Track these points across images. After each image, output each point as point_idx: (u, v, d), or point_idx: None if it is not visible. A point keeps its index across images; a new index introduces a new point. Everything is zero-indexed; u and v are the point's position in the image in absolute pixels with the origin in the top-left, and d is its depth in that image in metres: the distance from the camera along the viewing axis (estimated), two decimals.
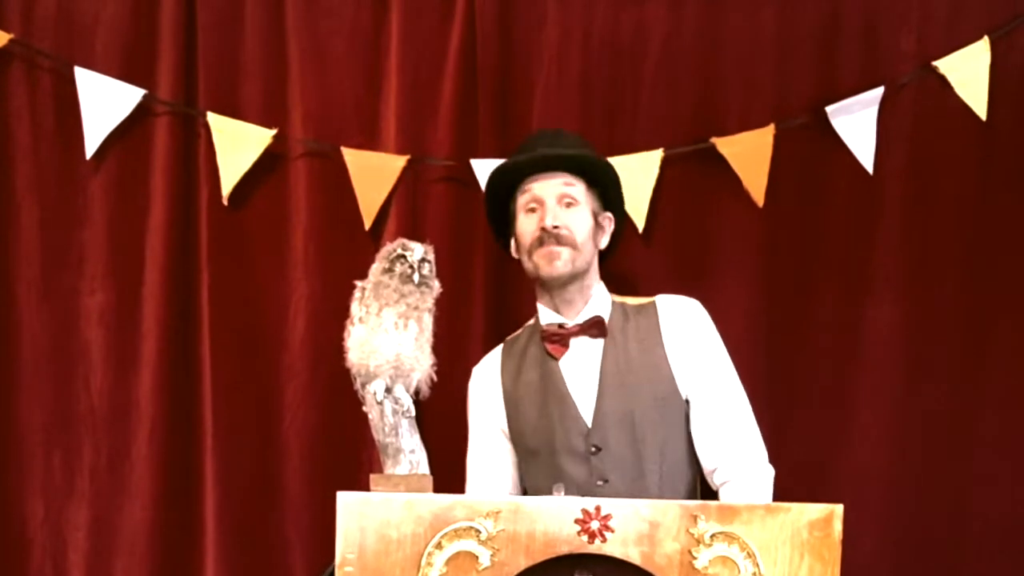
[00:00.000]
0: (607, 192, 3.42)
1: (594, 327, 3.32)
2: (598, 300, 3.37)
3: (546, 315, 3.39)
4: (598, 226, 3.38)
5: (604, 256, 3.46)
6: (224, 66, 3.93)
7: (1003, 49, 3.81)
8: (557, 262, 3.26)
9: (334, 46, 3.93)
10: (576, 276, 3.30)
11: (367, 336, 2.75)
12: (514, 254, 3.46)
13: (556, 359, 3.33)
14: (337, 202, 3.89)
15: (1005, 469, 3.84)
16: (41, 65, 3.88)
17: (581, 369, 3.30)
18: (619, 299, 3.41)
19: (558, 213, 3.27)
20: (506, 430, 3.42)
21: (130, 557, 3.92)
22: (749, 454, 3.25)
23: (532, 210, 3.32)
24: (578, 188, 3.32)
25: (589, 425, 3.24)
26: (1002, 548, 3.83)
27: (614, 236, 3.46)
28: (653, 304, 3.38)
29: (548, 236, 3.25)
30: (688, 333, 3.31)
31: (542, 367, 3.35)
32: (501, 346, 3.52)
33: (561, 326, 3.35)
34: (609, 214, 3.43)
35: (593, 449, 3.23)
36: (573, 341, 3.32)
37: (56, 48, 3.87)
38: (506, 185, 3.40)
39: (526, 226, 3.33)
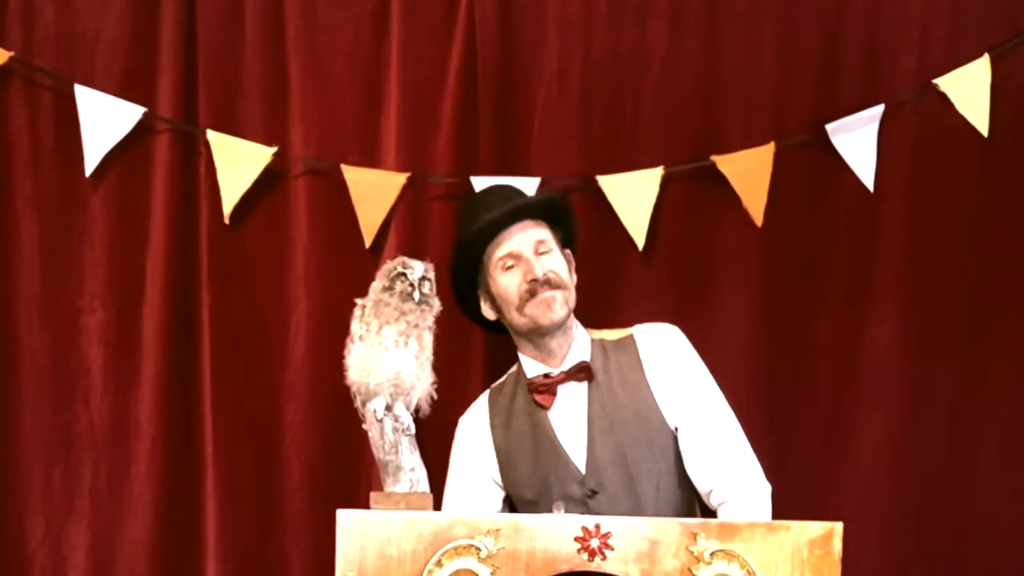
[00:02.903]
0: (567, 231, 3.42)
1: (580, 372, 3.30)
2: (580, 343, 3.36)
3: (531, 367, 3.36)
4: (568, 263, 3.37)
5: None
6: (224, 84, 3.92)
7: (1004, 66, 3.82)
8: (554, 306, 3.23)
9: (334, 63, 3.92)
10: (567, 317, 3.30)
11: (367, 354, 2.75)
12: (487, 315, 3.41)
13: (546, 409, 3.31)
14: (337, 220, 3.88)
15: (1006, 485, 3.84)
16: (41, 83, 3.88)
17: (569, 416, 3.28)
18: (597, 335, 3.39)
19: (541, 261, 3.26)
20: (498, 480, 3.40)
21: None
22: (744, 473, 3.24)
23: (510, 267, 3.28)
24: (547, 234, 3.32)
25: (583, 472, 3.24)
26: (1005, 564, 3.83)
27: None
28: (631, 337, 3.35)
29: (539, 285, 3.22)
30: (669, 363, 3.30)
31: (531, 418, 3.33)
32: (487, 395, 3.49)
33: (547, 375, 3.33)
34: (569, 251, 3.41)
35: (590, 493, 3.22)
36: (560, 389, 3.31)
37: (56, 66, 3.87)
38: (476, 250, 3.35)
39: (509, 283, 3.28)
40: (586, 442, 3.24)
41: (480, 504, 3.40)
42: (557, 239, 3.35)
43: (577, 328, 3.38)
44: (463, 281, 3.39)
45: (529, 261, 3.25)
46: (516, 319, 3.30)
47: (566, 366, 3.31)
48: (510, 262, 3.27)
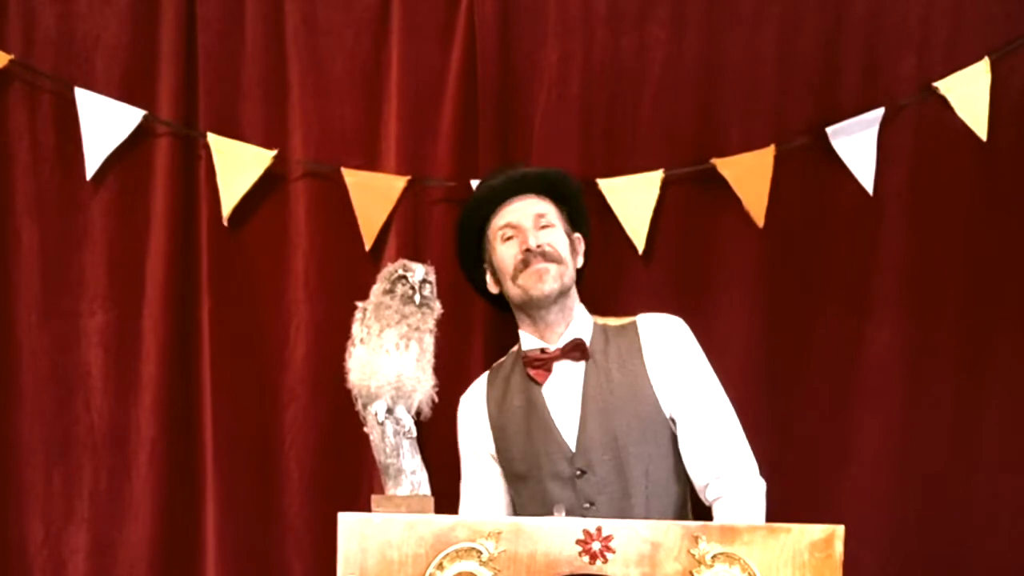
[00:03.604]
0: (574, 211, 3.47)
1: (576, 350, 3.32)
2: (579, 322, 3.38)
3: (528, 341, 3.40)
4: (573, 248, 3.41)
5: (578, 278, 3.46)
6: (224, 87, 3.93)
7: (1004, 70, 3.81)
8: (547, 277, 3.27)
9: (334, 67, 3.93)
10: (562, 294, 3.31)
11: (368, 357, 2.75)
12: (491, 288, 3.47)
13: (539, 384, 3.33)
14: (337, 223, 3.88)
15: (1006, 488, 3.84)
16: (41, 86, 3.88)
17: (564, 394, 3.31)
18: (600, 320, 3.41)
19: (538, 233, 3.31)
20: (495, 455, 3.43)
21: None
22: (740, 469, 3.24)
23: (509, 238, 3.34)
24: (550, 209, 3.38)
25: (573, 450, 3.25)
26: (1005, 567, 3.83)
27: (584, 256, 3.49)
28: (634, 324, 3.38)
29: (533, 255, 3.27)
30: (670, 352, 3.32)
31: (526, 393, 3.36)
32: (487, 373, 3.54)
33: (543, 351, 3.35)
34: (578, 235, 3.46)
35: (578, 473, 3.23)
36: (556, 365, 3.33)
37: (56, 69, 3.87)
38: (478, 221, 3.42)
39: (506, 253, 3.34)
40: (578, 421, 3.27)
41: (486, 481, 3.45)
42: (563, 218, 3.41)
43: (579, 308, 3.41)
44: (468, 254, 3.49)
45: (526, 231, 3.31)
46: (511, 289, 3.35)
47: (562, 343, 3.34)
48: (509, 232, 3.34)
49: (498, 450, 3.41)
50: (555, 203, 3.41)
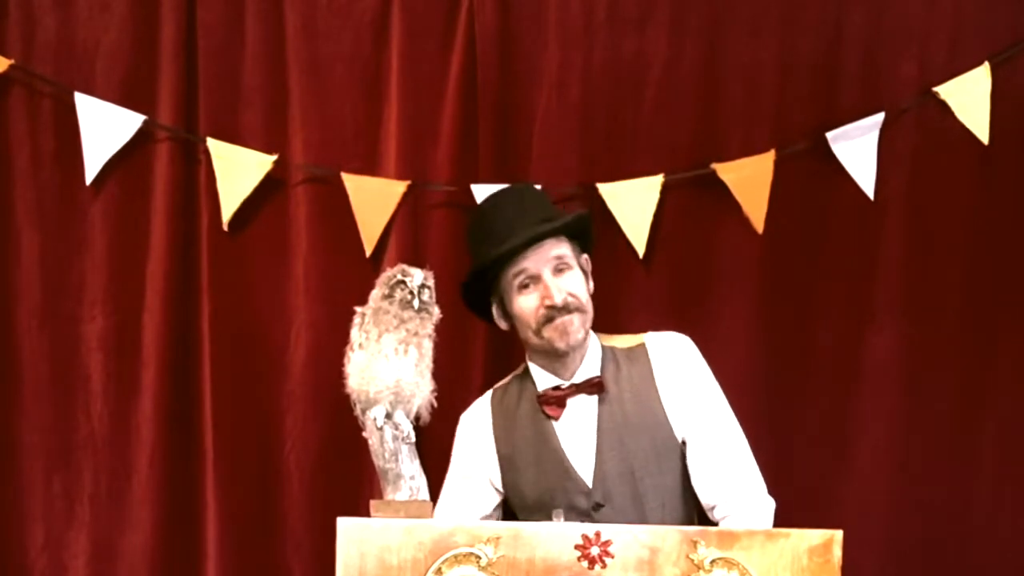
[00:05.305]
0: (586, 240, 3.35)
1: (592, 387, 3.26)
2: (592, 354, 3.31)
3: (542, 378, 3.33)
4: (585, 274, 3.32)
5: None
6: (224, 92, 3.92)
7: (1004, 74, 3.80)
8: (571, 330, 3.18)
9: (334, 71, 3.92)
10: (586, 336, 3.26)
11: (367, 362, 2.75)
12: (499, 323, 3.38)
13: (554, 420, 3.28)
14: (338, 228, 3.87)
15: (1007, 494, 3.84)
16: (41, 91, 3.88)
17: (578, 428, 3.25)
18: (608, 343, 3.35)
19: (559, 285, 3.19)
20: (497, 484, 3.38)
21: None
22: (748, 488, 3.22)
23: (527, 286, 3.21)
24: (564, 249, 3.24)
25: (590, 485, 3.21)
26: (1006, 568, 3.83)
27: None
28: (643, 347, 3.31)
29: (557, 311, 3.18)
30: (680, 374, 3.27)
31: (536, 426, 3.30)
32: (490, 396, 3.46)
33: (557, 388, 3.29)
34: (586, 256, 3.36)
35: (595, 506, 3.19)
36: (569, 400, 3.28)
37: (56, 74, 3.87)
38: (491, 275, 3.28)
39: (526, 305, 3.22)
40: (594, 455, 3.21)
41: (473, 505, 3.39)
42: (575, 249, 3.29)
43: (591, 338, 3.33)
44: (476, 297, 3.36)
45: (547, 285, 3.18)
46: (532, 339, 3.26)
47: (578, 379, 3.28)
48: (527, 281, 3.21)
49: (505, 480, 3.35)
50: (568, 238, 3.27)
